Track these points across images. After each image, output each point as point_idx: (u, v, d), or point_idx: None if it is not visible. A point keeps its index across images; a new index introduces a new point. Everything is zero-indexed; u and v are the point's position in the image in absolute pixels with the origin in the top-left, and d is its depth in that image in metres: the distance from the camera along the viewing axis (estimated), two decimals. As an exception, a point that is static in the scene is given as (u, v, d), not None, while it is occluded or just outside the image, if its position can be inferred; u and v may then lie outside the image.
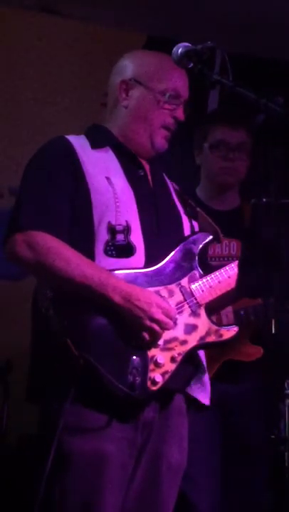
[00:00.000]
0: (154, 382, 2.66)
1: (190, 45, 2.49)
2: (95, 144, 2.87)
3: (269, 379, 2.18)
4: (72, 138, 2.85)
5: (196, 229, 2.98)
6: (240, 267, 2.51)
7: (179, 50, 2.48)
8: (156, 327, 2.66)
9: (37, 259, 2.67)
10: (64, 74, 5.02)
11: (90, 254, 2.71)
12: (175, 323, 2.72)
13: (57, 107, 4.95)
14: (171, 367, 2.70)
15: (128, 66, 2.92)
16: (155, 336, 2.67)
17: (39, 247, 2.67)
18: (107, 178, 2.79)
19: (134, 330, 2.66)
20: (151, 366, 2.67)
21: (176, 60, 2.50)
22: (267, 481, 3.25)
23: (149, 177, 2.93)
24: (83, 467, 2.61)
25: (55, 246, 2.67)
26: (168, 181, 3.03)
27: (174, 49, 2.49)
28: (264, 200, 2.27)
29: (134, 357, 2.65)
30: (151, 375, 2.66)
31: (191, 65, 2.48)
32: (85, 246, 2.72)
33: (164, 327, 2.67)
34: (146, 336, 2.66)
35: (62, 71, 5.02)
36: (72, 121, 4.70)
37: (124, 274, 2.70)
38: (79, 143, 2.84)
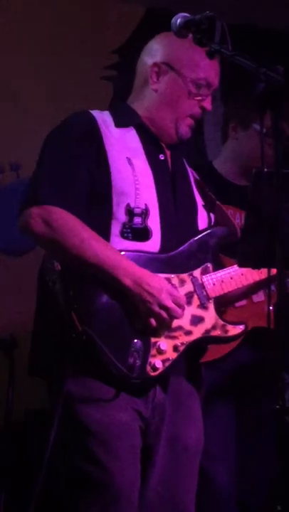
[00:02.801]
0: (154, 368, 2.66)
1: (189, 15, 2.47)
2: (119, 123, 2.83)
3: (273, 349, 2.18)
4: (96, 113, 2.82)
5: (213, 221, 2.95)
6: (243, 237, 2.50)
7: (178, 21, 2.47)
8: (164, 314, 2.65)
9: (51, 236, 2.64)
10: (59, 46, 4.98)
11: (106, 235, 2.70)
12: (184, 307, 2.71)
13: (52, 82, 4.92)
14: (172, 355, 2.69)
15: (160, 49, 2.87)
16: (162, 323, 2.67)
17: (55, 223, 2.64)
18: (128, 159, 2.76)
19: (142, 314, 2.65)
20: (153, 351, 2.67)
21: (175, 31, 2.49)
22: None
23: (170, 163, 2.90)
24: (102, 436, 2.63)
25: (70, 224, 2.65)
26: (188, 169, 3.00)
27: (173, 20, 2.48)
28: (265, 169, 2.27)
29: (137, 340, 2.65)
30: (152, 360, 2.66)
31: (190, 35, 2.46)
32: (102, 226, 2.71)
33: (173, 315, 2.67)
34: (152, 321, 2.65)
35: (57, 43, 4.97)
36: (67, 97, 4.69)
37: (137, 257, 2.69)
38: (103, 119, 2.81)
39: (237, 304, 3.10)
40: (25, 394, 3.98)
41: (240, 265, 2.61)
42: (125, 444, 2.65)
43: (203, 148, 5.16)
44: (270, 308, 2.25)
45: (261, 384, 3.45)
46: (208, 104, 2.85)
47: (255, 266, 2.60)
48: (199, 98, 2.83)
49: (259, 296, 3.41)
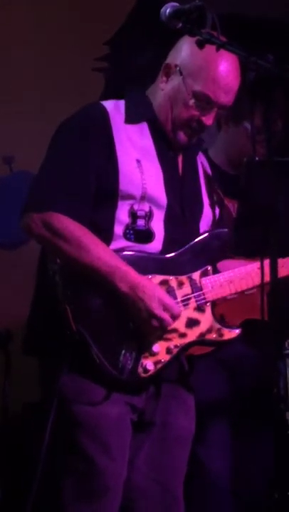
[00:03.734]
0: (145, 370, 2.68)
1: (178, 4, 2.46)
2: (132, 118, 2.78)
3: (269, 338, 2.19)
4: (110, 107, 2.78)
5: (217, 222, 2.93)
6: (236, 226, 2.51)
7: (167, 11, 2.46)
8: (154, 322, 2.66)
9: (51, 240, 2.66)
10: (55, 41, 4.96)
11: (109, 235, 2.72)
12: (178, 316, 2.70)
13: (46, 76, 4.90)
14: (165, 357, 2.70)
15: (181, 50, 2.78)
16: (153, 330, 2.67)
17: (55, 228, 2.65)
18: (138, 161, 2.74)
19: (135, 319, 2.66)
20: (146, 353, 2.68)
21: (164, 21, 2.48)
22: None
23: (180, 158, 2.87)
24: (93, 431, 2.65)
25: (70, 229, 2.66)
26: (200, 165, 2.97)
27: (162, 9, 2.47)
28: (256, 158, 2.27)
29: (129, 341, 2.66)
30: (144, 362, 2.67)
31: (180, 25, 2.46)
32: (105, 226, 2.72)
33: (162, 324, 2.67)
34: (143, 328, 2.67)
35: (52, 36, 4.95)
36: (62, 90, 4.67)
37: (136, 257, 2.71)
38: (115, 114, 2.77)
39: (228, 296, 3.07)
40: (22, 387, 3.98)
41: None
42: (116, 440, 2.67)
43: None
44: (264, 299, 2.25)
45: (257, 375, 3.46)
46: (208, 120, 2.78)
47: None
48: (196, 112, 2.76)
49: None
